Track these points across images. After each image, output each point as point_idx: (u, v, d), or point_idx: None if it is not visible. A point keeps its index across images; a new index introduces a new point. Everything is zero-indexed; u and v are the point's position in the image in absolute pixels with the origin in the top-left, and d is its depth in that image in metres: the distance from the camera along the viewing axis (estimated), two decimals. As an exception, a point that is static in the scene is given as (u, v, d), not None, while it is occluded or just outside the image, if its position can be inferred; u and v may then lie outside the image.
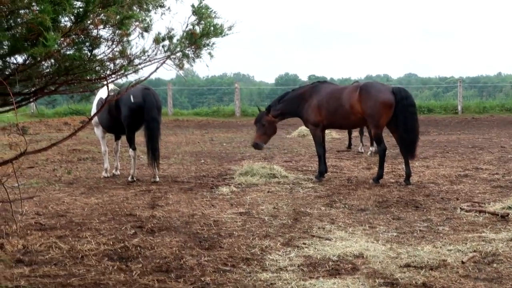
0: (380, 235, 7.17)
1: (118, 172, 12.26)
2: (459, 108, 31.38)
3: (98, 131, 12.04)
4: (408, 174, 10.75)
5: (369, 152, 15.32)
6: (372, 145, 15.30)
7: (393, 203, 9.02)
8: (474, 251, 6.39)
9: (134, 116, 11.11)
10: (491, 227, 7.50)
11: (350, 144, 16.87)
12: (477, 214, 8.18)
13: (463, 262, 5.99)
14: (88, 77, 5.30)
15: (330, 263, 6.05)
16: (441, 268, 5.84)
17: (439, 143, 17.90)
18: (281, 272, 5.78)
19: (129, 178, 11.46)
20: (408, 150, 10.58)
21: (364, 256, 6.25)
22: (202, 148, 17.50)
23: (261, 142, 11.79)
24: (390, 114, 10.54)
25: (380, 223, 7.81)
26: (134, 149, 11.51)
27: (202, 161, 14.45)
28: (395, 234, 7.22)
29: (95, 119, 11.56)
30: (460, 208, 8.57)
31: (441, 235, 7.16)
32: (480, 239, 6.90)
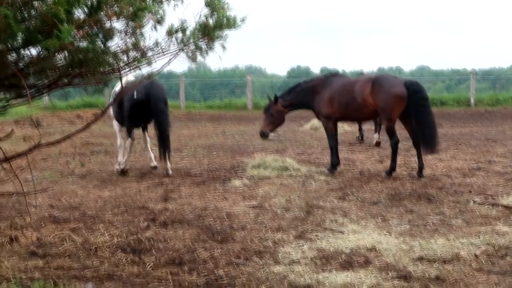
0: (393, 228, 7.15)
1: (155, 163, 11.82)
2: (472, 100, 31.18)
3: (115, 123, 11.95)
4: (421, 167, 10.70)
5: (374, 141, 15.72)
6: (376, 131, 15.82)
7: (405, 196, 8.98)
8: (487, 244, 6.36)
9: (135, 110, 11.09)
10: (504, 220, 7.45)
11: (362, 136, 16.86)
12: (490, 207, 8.13)
13: (476, 255, 5.97)
14: (101, 69, 5.31)
15: (343, 256, 6.04)
16: (454, 261, 5.82)
17: (452, 136, 17.81)
18: (293, 264, 5.78)
19: (116, 166, 11.52)
20: (425, 144, 10.50)
21: (377, 249, 6.23)
22: (214, 140, 17.51)
23: (268, 131, 11.82)
24: (403, 107, 10.47)
25: (393, 216, 7.79)
26: (132, 139, 11.44)
27: (215, 153, 14.45)
28: (408, 227, 7.20)
29: (111, 111, 11.57)
30: (473, 201, 8.53)
31: (454, 228, 7.13)
32: (493, 232, 6.85)
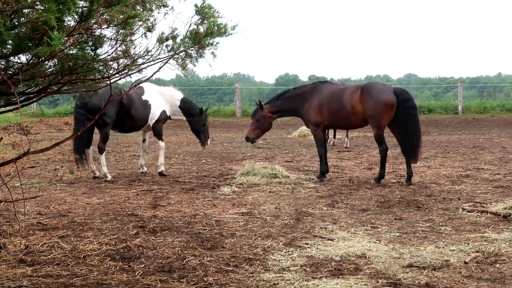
0: (383, 235, 7.16)
1: (145, 169, 12.60)
2: (460, 108, 31.37)
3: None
4: (410, 174, 10.73)
5: (331, 142, 17.16)
6: (334, 136, 17.73)
7: (395, 203, 9.01)
8: (477, 251, 6.38)
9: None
10: (493, 227, 7.49)
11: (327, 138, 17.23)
12: (479, 214, 8.17)
13: (465, 262, 5.98)
14: (91, 77, 5.30)
15: (333, 263, 6.04)
16: (444, 268, 5.83)
17: (440, 143, 17.90)
18: (283, 272, 5.77)
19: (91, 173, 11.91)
20: (410, 153, 10.56)
21: (367, 256, 6.24)
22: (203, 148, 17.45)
23: (253, 136, 11.82)
24: (392, 115, 10.53)
25: (382, 223, 7.80)
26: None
27: (203, 161, 14.44)
28: (397, 234, 7.21)
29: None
30: (462, 208, 8.56)
31: (444, 235, 7.15)
32: (483, 239, 6.88)
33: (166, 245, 6.72)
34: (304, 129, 20.18)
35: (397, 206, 8.82)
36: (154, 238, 7.03)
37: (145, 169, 12.57)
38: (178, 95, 12.67)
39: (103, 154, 11.73)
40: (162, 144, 12.48)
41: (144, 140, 12.79)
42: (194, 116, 12.63)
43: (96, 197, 9.73)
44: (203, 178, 11.76)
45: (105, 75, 5.55)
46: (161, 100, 12.34)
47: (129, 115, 11.75)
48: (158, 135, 12.45)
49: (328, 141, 16.56)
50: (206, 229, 7.47)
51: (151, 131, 12.45)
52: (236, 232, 7.32)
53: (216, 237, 7.07)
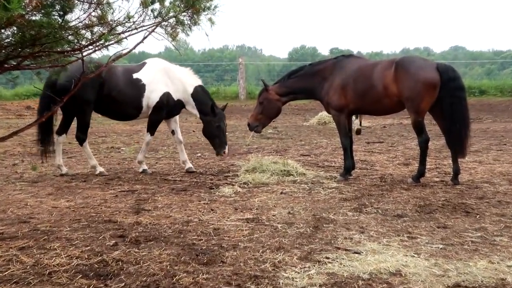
0: (422, 247, 7.13)
1: (189, 165, 12.54)
2: (519, 89, 31.28)
3: None
4: (456, 172, 10.70)
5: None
6: (360, 124, 16.49)
7: (437, 208, 8.98)
8: (540, 268, 6.37)
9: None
10: (561, 238, 7.47)
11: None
12: (543, 222, 8.16)
13: (526, 282, 5.97)
14: (59, 49, 5.28)
15: (360, 282, 6.03)
16: (499, 289, 5.83)
17: (494, 133, 17.86)
18: (298, 293, 5.77)
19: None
20: (457, 145, 10.51)
21: (403, 274, 6.22)
22: (198, 138, 17.50)
23: (256, 124, 11.79)
24: (434, 97, 10.46)
25: (422, 232, 7.78)
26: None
27: (199, 154, 14.45)
28: (440, 246, 7.18)
29: None
30: (522, 214, 8.56)
31: (499, 247, 7.13)
32: (548, 253, 6.87)
33: (151, 259, 6.71)
34: (324, 114, 20.19)
35: (440, 211, 8.79)
36: (136, 250, 7.02)
37: (189, 165, 12.49)
38: (192, 81, 12.38)
39: (85, 144, 11.75)
40: (149, 138, 12.36)
41: (173, 132, 12.70)
42: (206, 115, 12.30)
43: (65, 199, 9.73)
44: (198, 176, 11.77)
45: (76, 46, 5.54)
46: (164, 80, 12.16)
47: (110, 97, 11.73)
48: (151, 126, 12.32)
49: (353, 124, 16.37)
50: (201, 240, 7.46)
51: (177, 116, 12.45)
52: (239, 243, 7.31)
53: (214, 250, 7.06)
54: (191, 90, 12.25)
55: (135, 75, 11.98)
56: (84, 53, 5.79)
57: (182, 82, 12.26)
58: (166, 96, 12.06)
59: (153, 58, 12.38)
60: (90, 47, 5.64)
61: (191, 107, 12.36)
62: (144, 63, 12.18)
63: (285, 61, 58.49)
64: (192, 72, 12.58)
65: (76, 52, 5.69)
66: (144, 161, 12.33)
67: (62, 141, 12.05)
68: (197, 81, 12.45)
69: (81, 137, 11.73)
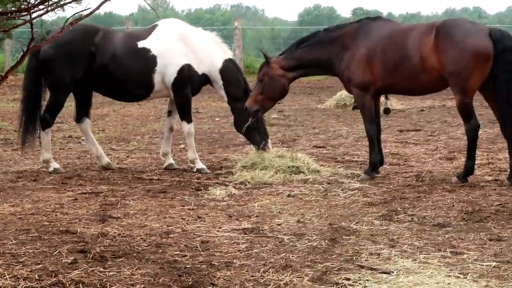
0: (470, 265, 7.11)
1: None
2: None
3: None
4: (515, 168, 10.67)
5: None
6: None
7: (490, 215, 8.96)
8: None
9: None
10: None
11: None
12: None
13: None
14: (1, 9, 5.24)
15: (391, 311, 6.01)
16: None
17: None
18: (310, 325, 5.74)
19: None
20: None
21: (445, 300, 6.21)
22: (181, 125, 17.48)
23: (255, 106, 11.55)
24: (486, 72, 10.41)
25: (470, 246, 7.76)
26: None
27: (182, 146, 14.42)
28: (493, 264, 7.16)
29: None
30: None
31: None
32: None
33: (121, 281, 6.68)
34: (344, 94, 20.15)
35: (493, 220, 8.77)
36: (101, 269, 6.98)
37: (170, 160, 12.44)
38: (221, 52, 12.08)
39: (48, 131, 11.69)
40: (188, 127, 12.07)
41: (169, 113, 12.59)
42: (236, 100, 11.94)
43: (10, 204, 9.73)
44: (182, 173, 11.76)
45: (23, 6, 5.50)
46: (181, 49, 11.82)
47: (105, 73, 11.65)
48: (182, 112, 12.04)
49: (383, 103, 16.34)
50: (185, 256, 7.45)
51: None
52: (234, 260, 7.29)
53: (202, 269, 7.04)
54: (219, 64, 11.91)
55: (141, 44, 11.78)
56: (34, 15, 5.75)
57: (208, 52, 11.95)
58: (187, 69, 11.76)
59: (166, 19, 12.13)
60: (41, 6, 5.60)
61: (218, 87, 12.06)
62: (155, 26, 11.99)
63: (294, 25, 58.68)
64: (220, 40, 12.32)
65: (23, 14, 5.66)
66: (197, 157, 12.13)
67: (86, 129, 12.09)
68: (227, 53, 12.23)
69: (48, 120, 11.67)
